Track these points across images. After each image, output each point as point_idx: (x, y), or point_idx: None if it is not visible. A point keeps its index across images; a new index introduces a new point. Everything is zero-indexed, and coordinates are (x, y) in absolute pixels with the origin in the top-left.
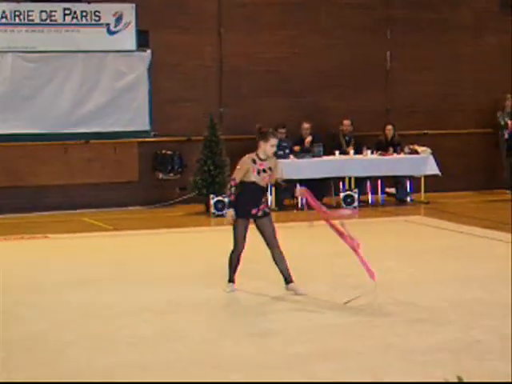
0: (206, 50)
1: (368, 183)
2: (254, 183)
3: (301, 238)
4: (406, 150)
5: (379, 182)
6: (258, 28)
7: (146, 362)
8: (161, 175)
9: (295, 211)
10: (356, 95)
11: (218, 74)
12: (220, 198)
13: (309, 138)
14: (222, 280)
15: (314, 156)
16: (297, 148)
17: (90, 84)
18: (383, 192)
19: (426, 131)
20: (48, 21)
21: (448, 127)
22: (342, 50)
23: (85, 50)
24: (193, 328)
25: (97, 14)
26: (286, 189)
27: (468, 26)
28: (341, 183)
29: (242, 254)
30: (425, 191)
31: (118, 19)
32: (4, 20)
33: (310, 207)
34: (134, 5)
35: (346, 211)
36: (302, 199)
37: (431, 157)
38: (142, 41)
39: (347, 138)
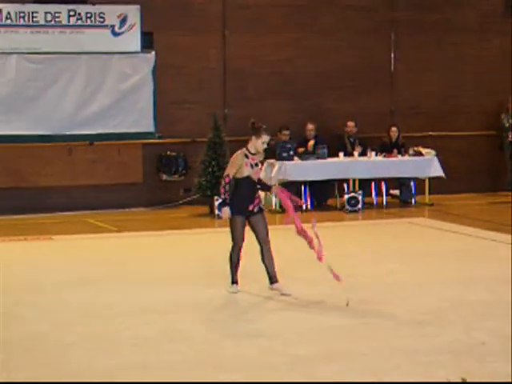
0: (210, 51)
1: (372, 185)
2: (248, 178)
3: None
4: (411, 151)
5: (383, 183)
6: (262, 30)
7: (147, 363)
8: (165, 177)
9: (299, 213)
10: (360, 97)
11: (222, 75)
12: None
13: (311, 142)
14: (224, 281)
15: (318, 158)
16: (301, 150)
17: (94, 85)
18: (387, 194)
19: (430, 133)
20: (53, 22)
21: (452, 129)
22: (345, 52)
23: (89, 51)
24: (194, 328)
25: (101, 15)
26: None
27: (472, 28)
28: (345, 185)
29: (242, 253)
30: (429, 193)
31: (123, 21)
32: (9, 21)
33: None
34: (138, 6)
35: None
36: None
37: (435, 159)
38: (147, 42)
39: (352, 140)
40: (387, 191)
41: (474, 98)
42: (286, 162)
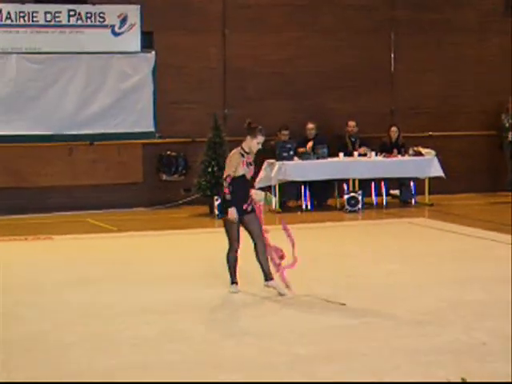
0: (210, 51)
1: (372, 185)
2: (242, 177)
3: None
4: (411, 151)
5: (383, 183)
6: (263, 29)
7: (147, 363)
8: (165, 176)
9: (299, 213)
10: (360, 97)
11: (223, 75)
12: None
13: (310, 144)
14: (223, 281)
15: (318, 158)
16: (302, 150)
17: (94, 85)
18: (387, 194)
19: (430, 133)
20: (53, 22)
21: (452, 129)
22: (346, 52)
23: (89, 51)
24: (194, 328)
25: (101, 15)
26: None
27: (472, 28)
28: (345, 185)
29: (238, 254)
30: (429, 193)
31: (123, 21)
32: (9, 21)
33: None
34: (138, 6)
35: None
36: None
37: (435, 159)
38: (147, 42)
39: (353, 139)
40: (387, 191)
41: (474, 97)
42: (286, 162)
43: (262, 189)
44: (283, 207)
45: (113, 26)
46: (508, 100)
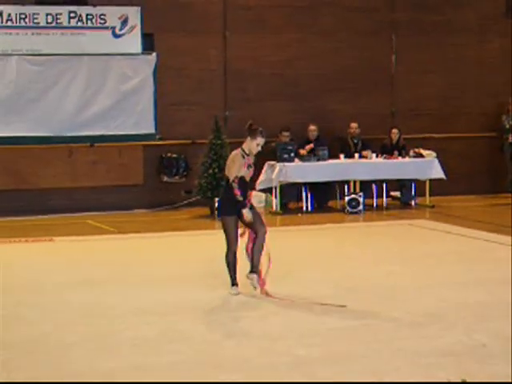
0: (211, 53)
1: (373, 187)
2: (242, 178)
3: (302, 240)
4: (411, 153)
5: (384, 185)
6: (263, 31)
7: (148, 363)
8: (166, 178)
9: (300, 215)
10: (361, 98)
11: (223, 77)
12: None
13: (309, 146)
14: (224, 282)
15: (318, 159)
16: (303, 152)
17: (95, 87)
18: (388, 195)
19: (430, 134)
20: (53, 24)
21: (453, 130)
22: (346, 53)
23: (90, 53)
24: (194, 329)
25: (102, 17)
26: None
27: (473, 29)
28: (346, 187)
29: (238, 253)
30: (429, 195)
31: (124, 22)
32: (9, 23)
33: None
34: (139, 8)
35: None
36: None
37: (436, 160)
38: (148, 44)
39: (355, 141)
40: (388, 193)
41: (475, 99)
42: (287, 164)
43: (262, 190)
44: (284, 209)
45: (113, 28)
46: (508, 101)
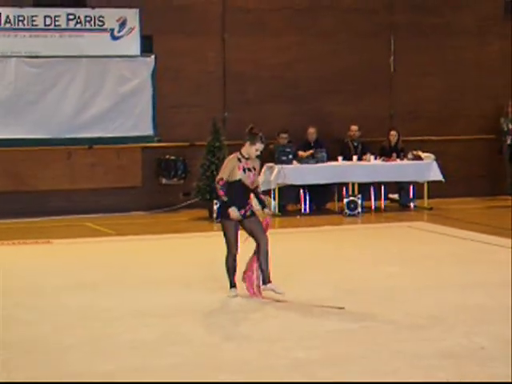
0: (209, 55)
1: (371, 189)
2: (239, 181)
3: (301, 243)
4: (410, 155)
5: (382, 187)
6: (262, 33)
7: (147, 366)
8: (164, 180)
9: (298, 217)
10: (360, 100)
11: (222, 79)
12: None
13: (308, 152)
14: (223, 284)
15: (317, 161)
16: (303, 154)
17: (93, 89)
18: (386, 198)
19: (429, 137)
20: (52, 26)
21: (451, 133)
22: (345, 55)
23: (88, 55)
24: (194, 331)
25: (100, 19)
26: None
27: (472, 32)
28: (344, 189)
29: (238, 256)
30: (428, 197)
31: (122, 24)
32: (8, 25)
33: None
34: (137, 10)
35: None
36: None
37: (435, 163)
38: (146, 46)
39: (355, 144)
40: (386, 195)
41: (474, 101)
42: (285, 166)
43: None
44: (282, 211)
45: (112, 30)
46: (507, 104)
